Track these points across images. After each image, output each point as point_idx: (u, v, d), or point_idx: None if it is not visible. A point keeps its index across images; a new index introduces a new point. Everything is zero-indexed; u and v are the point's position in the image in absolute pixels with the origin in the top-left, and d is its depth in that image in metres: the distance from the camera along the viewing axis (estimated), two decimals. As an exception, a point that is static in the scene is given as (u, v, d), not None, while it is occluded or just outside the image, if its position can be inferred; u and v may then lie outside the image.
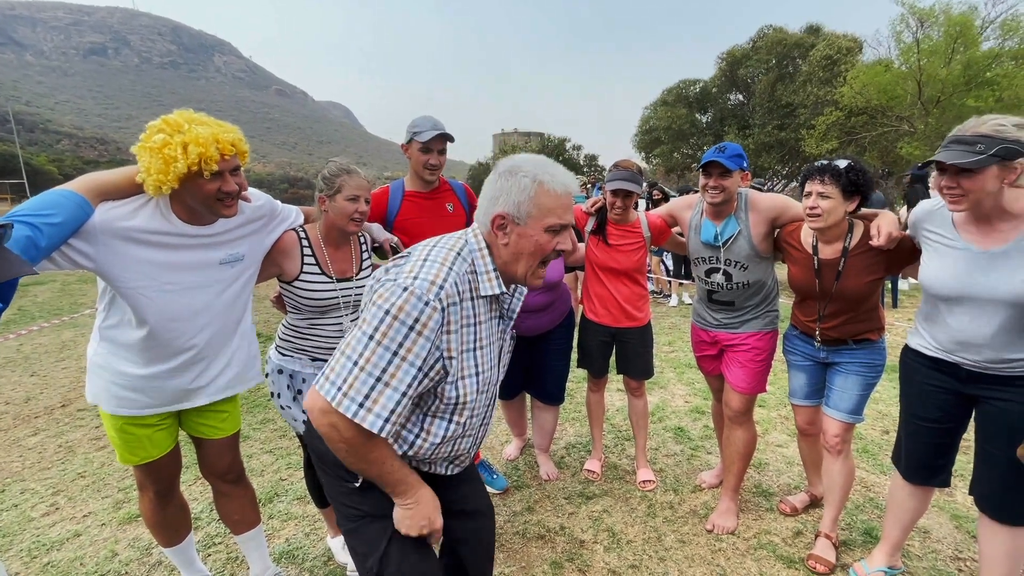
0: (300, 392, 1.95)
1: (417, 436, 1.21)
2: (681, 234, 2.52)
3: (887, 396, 3.90)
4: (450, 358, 1.15)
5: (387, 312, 1.05)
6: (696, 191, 2.47)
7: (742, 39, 27.49)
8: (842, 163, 1.87)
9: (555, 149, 45.90)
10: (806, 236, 2.06)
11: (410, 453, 1.22)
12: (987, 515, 1.69)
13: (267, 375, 1.98)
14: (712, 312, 2.40)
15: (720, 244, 2.22)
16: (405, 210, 2.33)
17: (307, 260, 1.84)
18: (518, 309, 1.36)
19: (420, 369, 1.08)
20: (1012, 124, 1.41)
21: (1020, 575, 1.68)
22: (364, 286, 1.98)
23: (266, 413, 3.72)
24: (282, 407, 1.97)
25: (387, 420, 1.05)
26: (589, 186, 12.43)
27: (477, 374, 1.22)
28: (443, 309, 1.10)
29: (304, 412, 1.96)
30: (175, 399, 1.64)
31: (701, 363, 2.60)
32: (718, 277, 2.27)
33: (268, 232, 1.79)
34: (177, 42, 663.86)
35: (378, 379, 1.04)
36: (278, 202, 1.85)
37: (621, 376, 2.79)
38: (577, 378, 4.05)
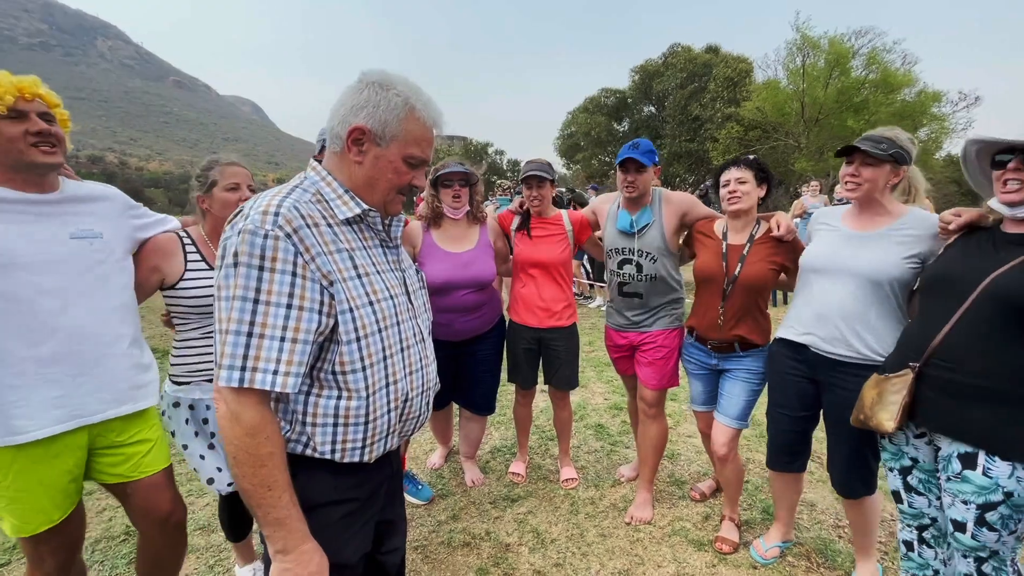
0: (206, 421, 1.74)
1: (340, 397, 1.08)
2: (601, 239, 2.62)
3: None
4: (330, 283, 1.03)
5: (231, 265, 0.95)
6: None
7: (655, 53, 29.28)
8: (750, 156, 2.20)
9: (478, 153, 46.31)
10: (718, 228, 2.29)
11: (352, 423, 1.09)
12: (837, 492, 2.01)
13: (163, 412, 1.75)
14: (623, 310, 2.52)
15: (634, 231, 2.37)
16: None
17: (191, 257, 1.67)
18: (400, 235, 1.26)
19: (290, 307, 0.97)
20: (905, 138, 1.78)
21: (877, 529, 2.11)
22: None
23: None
24: (184, 447, 1.75)
25: (275, 372, 0.95)
26: (512, 191, 12.59)
27: (371, 303, 1.10)
28: (288, 235, 0.98)
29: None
30: (66, 404, 1.36)
31: (617, 364, 2.73)
32: (629, 268, 2.41)
33: (128, 218, 1.58)
34: (49, 20, 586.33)
35: (249, 334, 0.94)
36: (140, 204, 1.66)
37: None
38: (503, 382, 4.07)
